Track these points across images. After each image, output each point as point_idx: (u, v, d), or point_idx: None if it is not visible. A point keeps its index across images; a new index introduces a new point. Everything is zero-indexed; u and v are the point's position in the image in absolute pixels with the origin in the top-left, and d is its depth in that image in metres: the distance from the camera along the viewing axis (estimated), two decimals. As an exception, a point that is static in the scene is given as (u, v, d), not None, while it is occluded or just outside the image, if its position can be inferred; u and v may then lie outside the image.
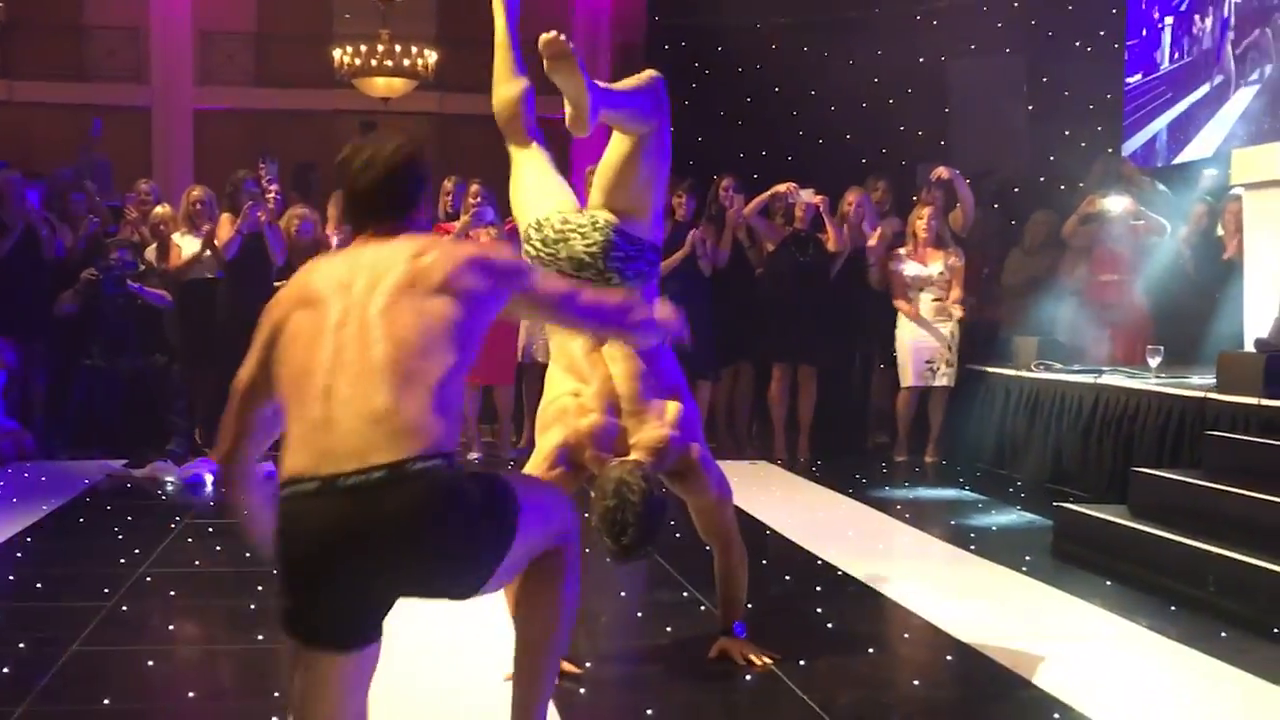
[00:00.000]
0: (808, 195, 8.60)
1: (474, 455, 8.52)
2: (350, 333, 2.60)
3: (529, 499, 2.76)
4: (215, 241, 8.47)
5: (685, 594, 4.97)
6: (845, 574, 5.36)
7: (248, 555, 4.32)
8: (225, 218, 8.58)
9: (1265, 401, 5.66)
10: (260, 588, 4.80)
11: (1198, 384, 6.54)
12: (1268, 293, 6.74)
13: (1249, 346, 6.31)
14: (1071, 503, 6.13)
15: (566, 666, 3.81)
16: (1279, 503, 4.78)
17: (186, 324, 8.66)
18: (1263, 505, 4.85)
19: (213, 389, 8.47)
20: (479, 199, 8.49)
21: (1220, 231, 8.46)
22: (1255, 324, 6.70)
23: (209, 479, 7.42)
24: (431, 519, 2.49)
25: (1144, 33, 12.06)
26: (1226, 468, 5.43)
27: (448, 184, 9.05)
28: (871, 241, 8.79)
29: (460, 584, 2.66)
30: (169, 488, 7.41)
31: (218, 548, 5.78)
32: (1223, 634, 4.42)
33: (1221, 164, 8.63)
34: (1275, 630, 4.37)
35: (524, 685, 2.92)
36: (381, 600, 2.57)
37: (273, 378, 2.70)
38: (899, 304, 8.58)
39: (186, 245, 8.62)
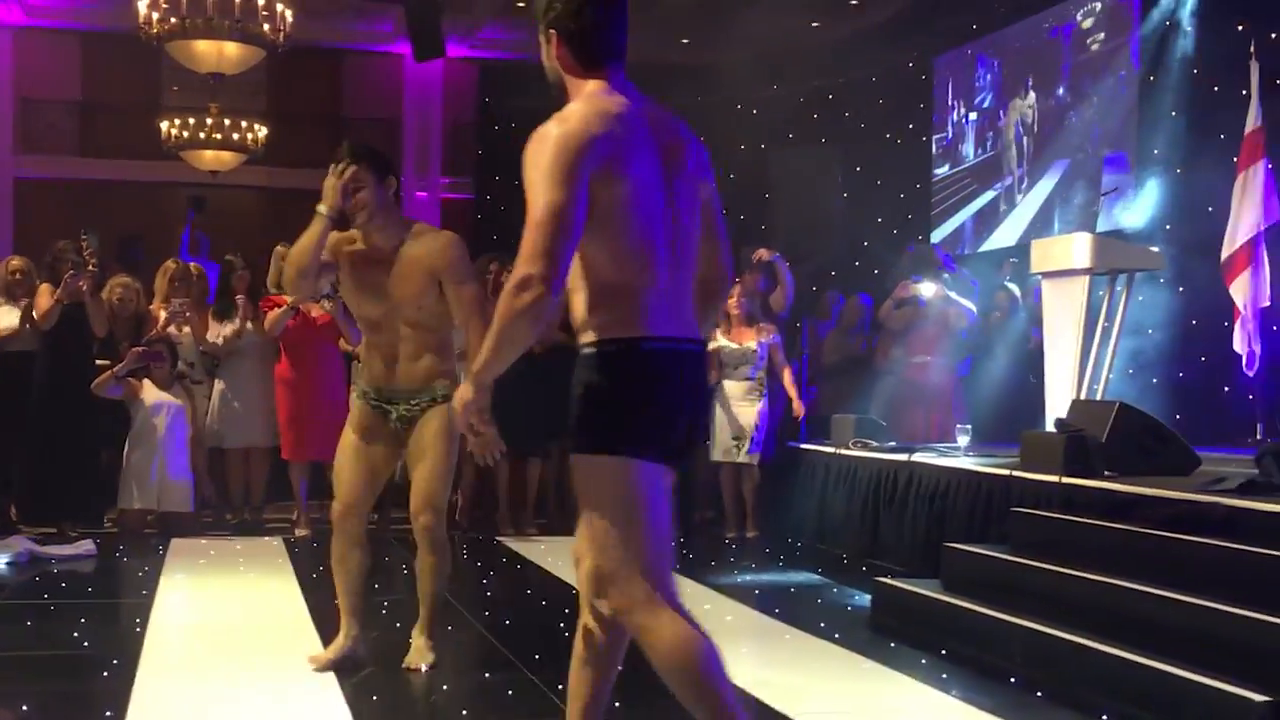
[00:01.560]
0: None
1: (302, 533, 8.44)
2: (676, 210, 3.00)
3: None
4: (35, 313, 8.29)
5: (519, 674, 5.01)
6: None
7: (66, 638, 4.25)
8: (44, 288, 8.40)
9: (1065, 479, 5.91)
10: (76, 671, 4.71)
11: (1004, 462, 6.86)
12: (1066, 375, 7.13)
13: (1050, 426, 6.59)
14: (888, 577, 6.32)
15: None
16: (1080, 577, 5.04)
17: (1, 397, 8.43)
18: (1064, 579, 5.11)
19: (28, 464, 8.27)
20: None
21: (1023, 316, 8.95)
22: (1055, 404, 7.07)
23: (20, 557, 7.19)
24: None
25: (950, 128, 12.72)
26: (1031, 543, 5.65)
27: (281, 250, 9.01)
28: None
29: None
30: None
31: (30, 627, 5.64)
32: (1030, 704, 4.60)
33: (1022, 253, 9.11)
34: (1078, 700, 4.56)
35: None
36: None
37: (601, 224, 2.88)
38: (711, 380, 8.82)
39: (3, 317, 8.42)
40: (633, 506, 2.93)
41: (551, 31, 3.05)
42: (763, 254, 9.13)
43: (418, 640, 4.98)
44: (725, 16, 12.57)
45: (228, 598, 6.44)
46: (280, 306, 8.39)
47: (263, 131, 11.92)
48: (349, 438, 4.88)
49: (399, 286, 4.71)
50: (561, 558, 7.61)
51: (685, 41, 13.76)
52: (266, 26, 10.25)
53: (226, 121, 11.63)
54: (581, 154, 2.82)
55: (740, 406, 8.75)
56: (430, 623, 4.96)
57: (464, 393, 2.96)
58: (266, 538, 8.40)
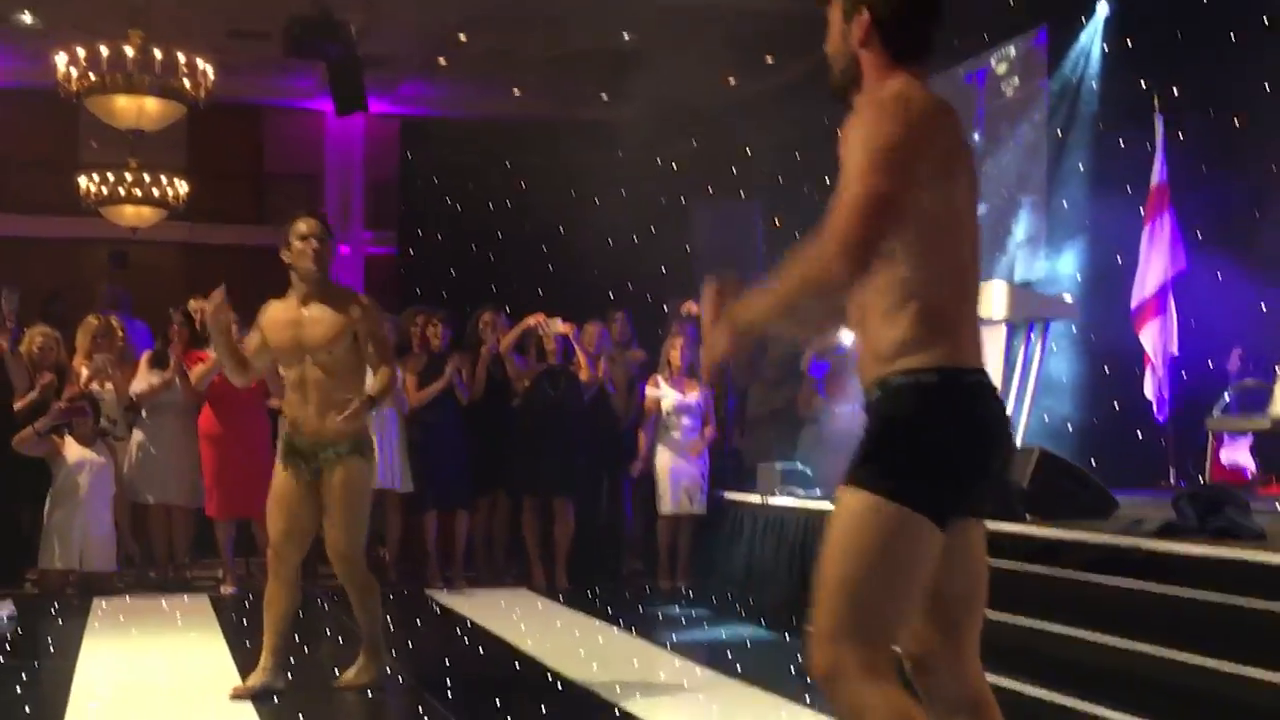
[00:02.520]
0: (556, 326, 8.86)
1: (229, 590, 8.36)
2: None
3: None
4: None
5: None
6: (598, 697, 5.47)
7: None
8: (-38, 347, 8.30)
9: (990, 525, 6.05)
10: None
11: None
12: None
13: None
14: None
15: None
16: (1008, 623, 5.16)
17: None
18: (990, 622, 5.19)
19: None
20: (234, 326, 8.43)
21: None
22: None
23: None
24: None
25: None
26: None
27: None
28: (602, 369, 9.08)
29: None
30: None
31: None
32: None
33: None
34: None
35: None
36: None
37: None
38: (655, 432, 8.89)
39: (-80, 376, 8.30)
40: (897, 568, 2.55)
41: (862, 9, 2.62)
42: (692, 307, 9.24)
43: (360, 660, 5.41)
44: (644, 72, 12.74)
45: (153, 657, 6.36)
46: (205, 361, 8.34)
47: (184, 187, 11.86)
48: (276, 485, 5.27)
49: (313, 334, 5.12)
50: (492, 611, 7.62)
51: (605, 98, 13.92)
52: (187, 82, 10.24)
53: (146, 177, 11.57)
54: (925, 140, 2.47)
55: (687, 459, 8.83)
56: (370, 641, 5.36)
57: (719, 338, 2.63)
58: (192, 595, 8.31)
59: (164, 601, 8.06)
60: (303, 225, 5.19)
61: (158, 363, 8.76)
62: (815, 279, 2.47)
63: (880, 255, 2.46)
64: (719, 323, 2.64)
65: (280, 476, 5.25)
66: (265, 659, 5.33)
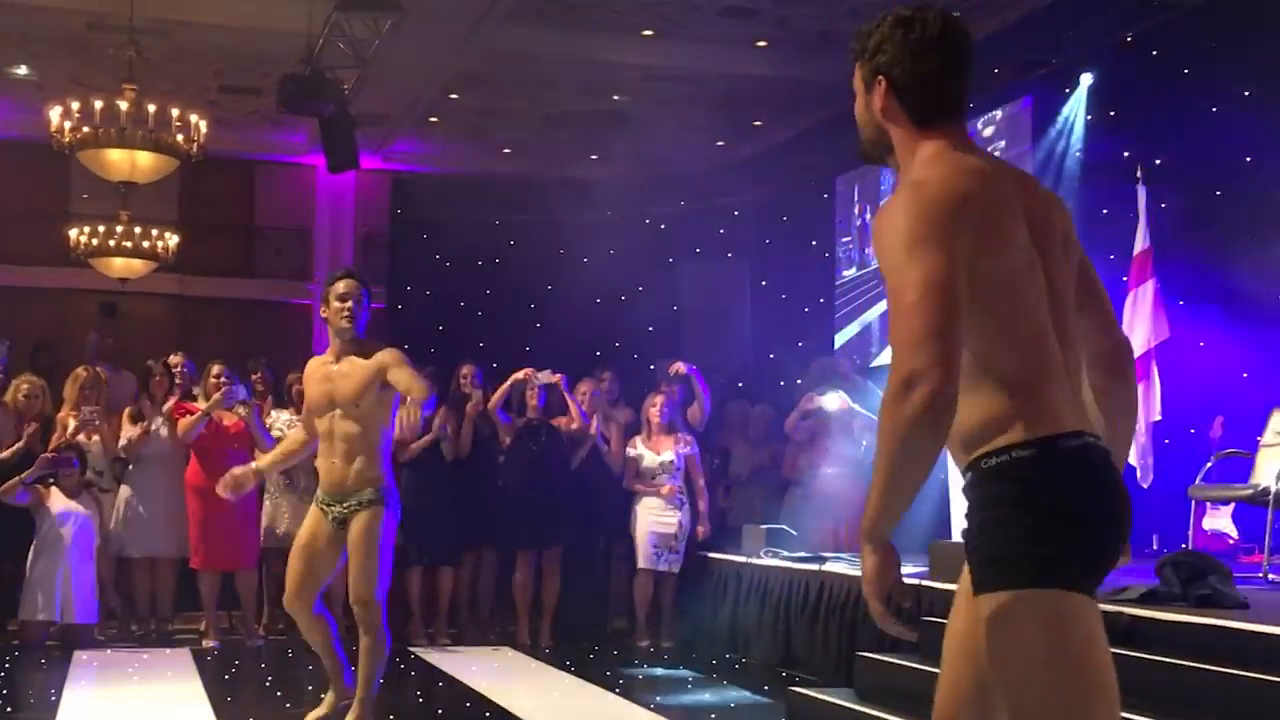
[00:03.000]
0: (545, 376, 8.88)
1: (211, 643, 8.33)
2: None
3: None
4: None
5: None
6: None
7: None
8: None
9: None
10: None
11: (913, 572, 7.00)
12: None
13: (957, 536, 6.77)
14: (801, 686, 6.42)
15: None
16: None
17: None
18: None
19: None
20: (223, 378, 8.49)
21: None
22: (960, 513, 7.24)
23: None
24: None
25: (854, 232, 13.04)
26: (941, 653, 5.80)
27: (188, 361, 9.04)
28: (594, 427, 9.10)
29: None
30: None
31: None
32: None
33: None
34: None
35: None
36: None
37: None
38: (636, 489, 8.92)
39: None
40: (1075, 654, 2.30)
41: (880, 78, 2.50)
42: (680, 367, 9.29)
43: (353, 708, 5.48)
44: (633, 134, 12.88)
45: (133, 710, 6.34)
46: (192, 413, 8.36)
47: (174, 240, 11.91)
48: (303, 529, 5.58)
49: (343, 389, 5.41)
50: (475, 668, 7.61)
51: (594, 157, 14.05)
52: (180, 137, 10.29)
53: (137, 229, 11.61)
54: (955, 214, 2.29)
55: (664, 515, 8.85)
56: (362, 702, 5.44)
57: (867, 567, 2.38)
58: (174, 649, 8.27)
59: (145, 654, 8.02)
60: (341, 286, 5.45)
61: (138, 418, 8.76)
62: (917, 411, 2.19)
63: (960, 335, 2.23)
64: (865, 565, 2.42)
65: (309, 520, 5.57)
66: (336, 680, 5.68)
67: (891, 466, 2.24)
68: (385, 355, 5.43)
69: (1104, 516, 2.36)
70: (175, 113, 10.24)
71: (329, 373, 5.48)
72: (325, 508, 5.49)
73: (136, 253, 11.60)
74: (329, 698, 5.71)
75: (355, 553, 5.42)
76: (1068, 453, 2.33)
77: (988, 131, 11.24)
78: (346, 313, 5.41)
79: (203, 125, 10.40)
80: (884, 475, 2.25)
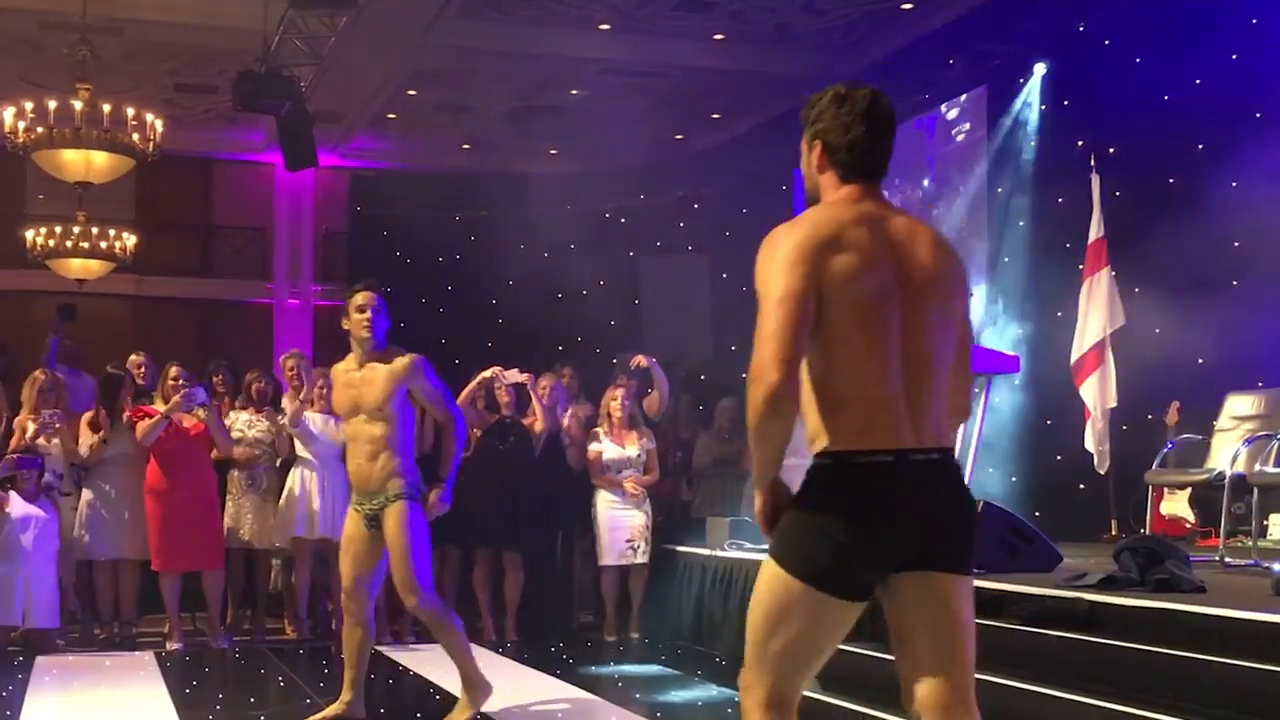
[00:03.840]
0: (513, 375, 8.87)
1: (174, 646, 8.30)
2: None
3: None
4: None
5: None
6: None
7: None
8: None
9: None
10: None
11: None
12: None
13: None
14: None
15: None
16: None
17: None
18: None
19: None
20: (181, 380, 8.45)
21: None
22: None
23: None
24: None
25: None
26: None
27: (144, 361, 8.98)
28: (565, 423, 9.13)
29: None
30: None
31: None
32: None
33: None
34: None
35: None
36: None
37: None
38: (598, 483, 8.93)
39: None
40: (791, 630, 2.94)
41: (817, 141, 3.02)
42: (640, 360, 9.30)
43: (460, 698, 5.87)
44: (591, 128, 12.89)
45: (97, 715, 6.30)
46: (151, 416, 8.31)
47: (131, 240, 11.82)
48: (346, 531, 5.86)
49: (367, 395, 5.67)
50: (440, 666, 7.59)
51: (553, 152, 14.05)
52: (136, 136, 10.23)
53: (94, 230, 11.53)
54: (816, 248, 2.79)
55: (628, 509, 8.86)
56: (467, 680, 5.79)
57: (755, 506, 2.93)
58: (137, 652, 8.22)
59: (108, 659, 7.97)
60: (360, 298, 5.69)
61: (97, 427, 8.67)
62: (757, 401, 2.69)
63: (799, 342, 2.72)
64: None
65: (349, 522, 5.83)
66: (345, 692, 5.86)
67: (752, 440, 2.79)
68: (409, 367, 5.69)
69: (873, 530, 2.80)
70: (130, 112, 10.18)
71: (352, 379, 5.75)
72: (357, 507, 5.76)
73: (94, 253, 11.54)
74: (338, 704, 5.86)
75: (393, 549, 5.67)
76: (858, 468, 2.80)
77: (952, 114, 11.26)
78: (366, 323, 5.65)
79: (158, 124, 10.34)
80: (752, 445, 2.81)
